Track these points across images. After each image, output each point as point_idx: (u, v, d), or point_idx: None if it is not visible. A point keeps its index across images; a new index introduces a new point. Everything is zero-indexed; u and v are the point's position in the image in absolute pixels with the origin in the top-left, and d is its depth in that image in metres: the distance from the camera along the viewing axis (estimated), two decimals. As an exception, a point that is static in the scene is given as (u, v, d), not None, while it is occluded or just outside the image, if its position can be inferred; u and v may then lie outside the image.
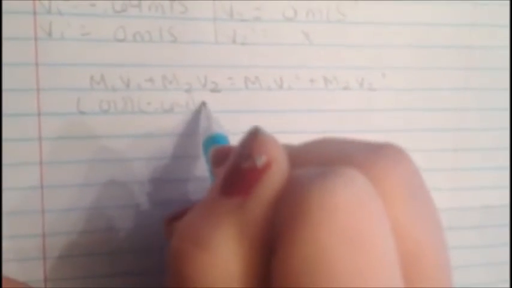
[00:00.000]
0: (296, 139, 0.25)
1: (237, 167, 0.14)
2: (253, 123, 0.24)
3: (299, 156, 0.15)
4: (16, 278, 0.22)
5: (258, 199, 0.14)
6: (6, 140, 0.22)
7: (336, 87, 0.26)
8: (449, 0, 0.27)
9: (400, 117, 0.27)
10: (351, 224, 0.13)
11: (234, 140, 0.18)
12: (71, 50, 0.23)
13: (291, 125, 0.25)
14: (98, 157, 0.23)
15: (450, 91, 0.27)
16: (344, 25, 0.26)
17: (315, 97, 0.26)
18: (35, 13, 0.22)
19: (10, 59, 0.22)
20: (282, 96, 0.25)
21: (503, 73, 0.28)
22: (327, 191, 0.13)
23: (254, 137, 0.15)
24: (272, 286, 0.13)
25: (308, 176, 0.14)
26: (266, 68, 0.25)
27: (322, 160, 0.15)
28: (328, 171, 0.13)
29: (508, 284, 0.28)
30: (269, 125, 0.25)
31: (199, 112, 0.24)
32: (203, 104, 0.24)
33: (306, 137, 0.25)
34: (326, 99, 0.26)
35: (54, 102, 0.23)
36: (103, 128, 0.23)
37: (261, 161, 0.14)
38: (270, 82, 0.25)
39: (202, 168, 0.24)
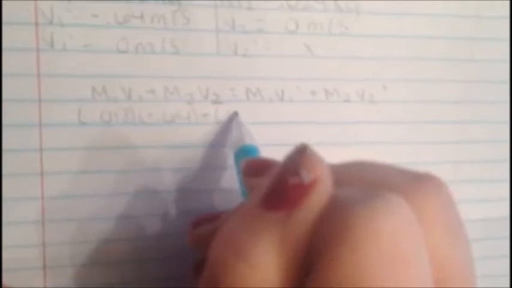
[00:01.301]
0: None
1: (283, 182, 0.14)
2: (254, 134, 0.24)
3: (340, 176, 0.15)
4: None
5: (301, 216, 0.14)
6: (7, 151, 0.22)
7: (337, 99, 0.26)
8: (449, 14, 0.27)
9: (401, 129, 0.27)
10: (391, 249, 0.13)
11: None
12: (73, 61, 0.23)
13: (292, 136, 0.25)
14: (98, 168, 0.23)
15: (450, 104, 0.27)
16: (345, 38, 0.26)
17: (316, 109, 0.26)
18: (37, 24, 0.22)
19: (12, 69, 0.22)
20: (283, 108, 0.25)
21: (503, 86, 0.28)
22: (370, 214, 0.13)
23: (302, 153, 0.15)
24: None
25: (352, 197, 0.14)
26: (267, 80, 0.25)
27: (363, 183, 0.15)
28: (371, 195, 0.14)
29: (508, 296, 0.28)
30: (270, 136, 0.25)
31: (229, 122, 0.24)
32: (235, 114, 0.24)
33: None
34: (327, 111, 0.26)
35: (55, 112, 0.23)
36: (104, 139, 0.23)
37: (308, 178, 0.14)
38: (272, 94, 0.25)
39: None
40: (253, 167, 0.20)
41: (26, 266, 0.23)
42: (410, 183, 0.15)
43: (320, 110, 0.26)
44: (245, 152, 0.22)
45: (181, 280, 0.24)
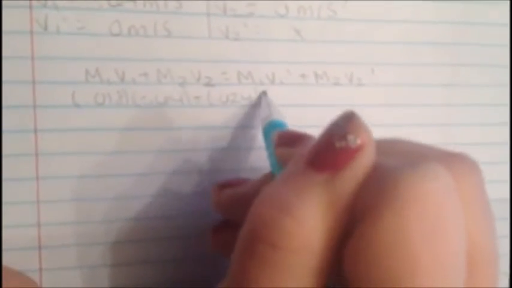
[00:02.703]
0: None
1: (329, 145, 0.15)
2: (243, 116, 0.25)
3: (380, 147, 0.16)
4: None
5: (347, 177, 0.15)
6: (2, 132, 0.22)
7: (326, 82, 0.26)
8: (437, -1, 0.28)
9: (389, 112, 0.27)
10: (436, 214, 0.13)
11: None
12: (67, 44, 0.23)
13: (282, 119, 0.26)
14: (92, 149, 0.24)
15: (438, 87, 0.28)
16: (334, 22, 0.26)
17: (306, 92, 0.26)
18: (30, 7, 0.22)
19: (6, 52, 0.22)
20: (274, 91, 0.26)
21: (491, 69, 0.29)
22: (415, 178, 0.14)
23: (350, 119, 0.15)
24: (347, 263, 0.14)
25: (396, 164, 0.14)
26: (258, 63, 0.25)
27: (403, 154, 0.16)
28: (416, 162, 0.14)
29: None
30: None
31: (258, 101, 0.25)
32: (263, 93, 0.25)
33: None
34: (317, 94, 0.26)
35: (49, 95, 0.23)
36: (98, 120, 0.23)
37: (355, 142, 0.15)
38: (262, 77, 0.26)
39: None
40: (286, 138, 0.20)
41: (21, 246, 0.23)
42: (449, 158, 0.15)
43: (310, 92, 0.26)
44: (274, 126, 0.23)
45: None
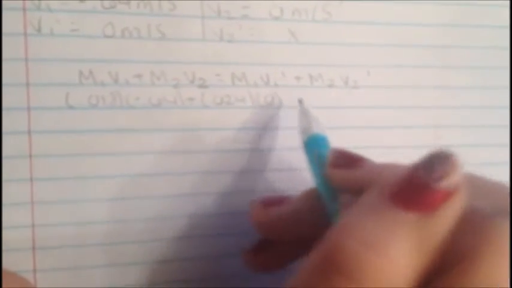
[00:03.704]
0: (282, 135, 0.26)
1: (424, 184, 0.15)
2: (237, 118, 0.25)
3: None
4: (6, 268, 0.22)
5: (441, 220, 0.15)
6: (-4, 134, 0.22)
7: (321, 84, 0.26)
8: (432, 1, 0.28)
9: (383, 114, 0.27)
10: None
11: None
12: (60, 46, 0.23)
13: (276, 120, 0.26)
14: (86, 151, 0.24)
15: (431, 89, 0.28)
16: (329, 24, 0.26)
17: (301, 94, 0.26)
18: (24, 9, 0.23)
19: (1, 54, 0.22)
20: (269, 93, 0.26)
21: (483, 72, 0.29)
22: None
23: (447, 159, 0.15)
24: None
25: (492, 210, 0.15)
26: (253, 65, 0.25)
27: (488, 196, 0.16)
28: (507, 209, 0.15)
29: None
30: (255, 121, 0.25)
31: (293, 107, 0.25)
32: (300, 101, 0.25)
33: (291, 133, 0.26)
34: (312, 96, 0.26)
35: (43, 96, 0.23)
36: (91, 122, 0.24)
37: (451, 184, 0.15)
38: (257, 79, 0.26)
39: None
40: (341, 159, 0.20)
41: (16, 247, 0.23)
42: None
43: (304, 95, 0.26)
44: (315, 142, 0.23)
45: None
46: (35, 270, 0.23)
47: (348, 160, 0.20)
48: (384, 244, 0.14)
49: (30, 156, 0.23)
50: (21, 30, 0.22)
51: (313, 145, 0.23)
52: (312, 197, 0.22)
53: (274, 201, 0.23)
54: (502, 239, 0.14)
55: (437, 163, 0.15)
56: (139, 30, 0.24)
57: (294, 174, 0.26)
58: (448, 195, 0.15)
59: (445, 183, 0.14)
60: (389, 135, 0.27)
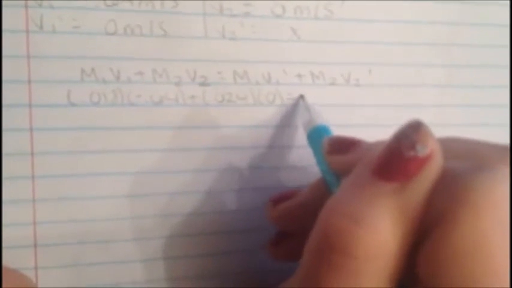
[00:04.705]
0: (281, 132, 0.26)
1: (397, 155, 0.15)
2: (239, 116, 0.25)
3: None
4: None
5: (417, 187, 0.15)
6: (-2, 131, 0.22)
7: (322, 82, 0.26)
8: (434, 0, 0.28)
9: (385, 112, 0.27)
10: (506, 216, 0.14)
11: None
12: (62, 43, 0.23)
13: (277, 118, 0.26)
14: (87, 148, 0.24)
15: (433, 87, 0.28)
16: (331, 22, 0.26)
17: (302, 92, 0.26)
18: (26, 6, 0.22)
19: (2, 51, 0.22)
20: (270, 91, 0.26)
21: (485, 70, 0.29)
22: (489, 183, 0.14)
23: (417, 128, 0.16)
24: (423, 266, 0.15)
25: (463, 168, 0.15)
26: (254, 63, 0.25)
27: (465, 156, 0.16)
28: (484, 166, 0.15)
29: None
30: (257, 118, 0.25)
31: (295, 105, 0.26)
32: (301, 97, 0.26)
33: (292, 131, 0.26)
34: (313, 94, 0.26)
35: (45, 93, 0.23)
36: (93, 119, 0.24)
37: (424, 151, 0.15)
38: (258, 77, 0.26)
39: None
40: (337, 145, 0.21)
41: (17, 244, 0.23)
42: (507, 154, 0.16)
43: (306, 92, 0.26)
44: (319, 132, 0.23)
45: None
46: (36, 268, 0.23)
47: (342, 145, 0.21)
48: (367, 216, 0.15)
49: (32, 153, 0.23)
50: (23, 27, 0.22)
51: (317, 136, 0.23)
52: (319, 187, 0.22)
53: (284, 197, 0.24)
54: (474, 195, 0.14)
55: (409, 133, 0.16)
56: (141, 27, 0.24)
57: (296, 171, 0.26)
58: (421, 162, 0.15)
59: (418, 151, 0.15)
60: (391, 133, 0.27)
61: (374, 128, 0.27)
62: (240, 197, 0.26)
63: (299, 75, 0.26)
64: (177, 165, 0.25)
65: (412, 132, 0.15)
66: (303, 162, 0.26)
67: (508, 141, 0.29)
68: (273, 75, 0.26)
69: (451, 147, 0.17)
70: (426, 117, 0.27)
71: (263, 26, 0.25)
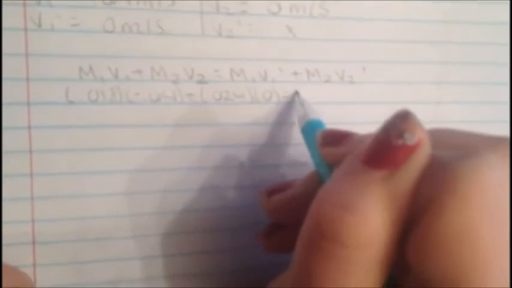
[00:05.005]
0: (278, 130, 0.26)
1: (386, 143, 0.16)
2: (236, 114, 0.25)
3: (430, 139, 0.16)
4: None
5: (406, 174, 0.15)
6: (-4, 129, 0.22)
7: (318, 80, 0.27)
8: (427, -2, 0.28)
9: (379, 110, 0.28)
10: (495, 203, 0.14)
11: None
12: (60, 41, 0.23)
13: (273, 116, 0.26)
14: (85, 146, 0.24)
15: (427, 85, 0.28)
16: (327, 20, 0.27)
17: (298, 89, 0.26)
18: (24, 5, 0.22)
19: (0, 49, 0.22)
20: (266, 89, 0.26)
21: (481, 67, 0.29)
22: (475, 169, 0.14)
23: (405, 117, 0.16)
24: (412, 253, 0.15)
25: (451, 157, 0.15)
26: (251, 61, 0.26)
27: (452, 146, 0.16)
28: (471, 153, 0.15)
29: None
30: (253, 115, 0.26)
31: (291, 101, 0.26)
32: (296, 93, 0.26)
33: (289, 128, 0.26)
34: (309, 91, 0.27)
35: (43, 92, 0.23)
36: (91, 117, 0.24)
37: (412, 140, 0.15)
38: (255, 74, 0.26)
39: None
40: (329, 137, 0.21)
41: (16, 241, 0.23)
42: (497, 143, 0.16)
43: (302, 90, 0.26)
44: (312, 126, 0.23)
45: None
46: (34, 265, 0.23)
47: (335, 138, 0.21)
48: (357, 204, 0.15)
49: (30, 151, 0.23)
50: (21, 25, 0.22)
51: (310, 130, 0.23)
52: (313, 180, 0.22)
53: (278, 188, 0.24)
54: (459, 181, 0.14)
55: (397, 122, 0.16)
56: (139, 25, 0.24)
57: (293, 168, 0.26)
58: (410, 150, 0.15)
59: (406, 140, 0.15)
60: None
61: (368, 125, 0.27)
62: (238, 194, 0.26)
63: (295, 73, 0.26)
64: (174, 162, 0.25)
65: (400, 122, 0.16)
66: (300, 159, 0.26)
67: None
68: (269, 73, 0.26)
69: (441, 137, 0.17)
70: (422, 114, 0.28)
71: (259, 24, 0.26)
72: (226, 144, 0.26)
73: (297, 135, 0.26)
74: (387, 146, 0.16)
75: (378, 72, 0.28)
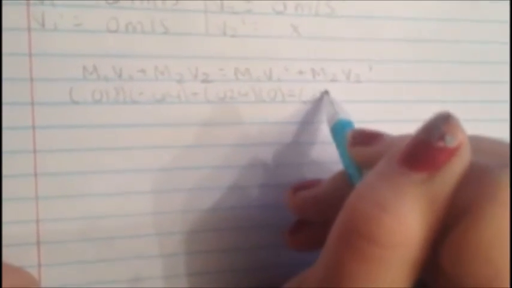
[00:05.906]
0: (284, 129, 0.26)
1: (427, 144, 0.16)
2: (242, 113, 0.25)
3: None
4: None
5: (446, 178, 0.15)
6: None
7: (323, 79, 0.26)
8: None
9: (386, 109, 0.27)
10: None
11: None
12: (64, 41, 0.23)
13: (280, 115, 0.26)
14: (89, 146, 0.24)
15: (434, 84, 0.28)
16: (332, 19, 0.26)
17: (303, 89, 0.26)
18: (28, 4, 0.22)
19: (4, 49, 0.22)
20: (271, 88, 0.26)
21: (487, 67, 0.29)
22: None
23: (447, 119, 0.16)
24: (446, 256, 0.15)
25: (492, 164, 0.15)
26: (256, 60, 0.25)
27: (491, 153, 0.16)
28: (507, 162, 0.15)
29: None
30: (259, 115, 0.25)
31: (320, 100, 0.26)
32: (325, 92, 0.26)
33: (294, 127, 0.26)
34: (314, 90, 0.26)
35: (47, 91, 0.23)
36: (95, 117, 0.24)
37: (453, 142, 0.15)
38: (260, 74, 0.26)
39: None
40: (360, 137, 0.21)
41: (20, 242, 0.23)
42: None
43: (307, 89, 0.26)
44: (342, 126, 0.23)
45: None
46: (39, 265, 0.23)
47: (365, 138, 0.21)
48: (394, 204, 0.15)
49: (34, 151, 0.23)
50: (24, 25, 0.22)
51: (340, 130, 0.23)
52: (340, 179, 0.22)
53: (304, 185, 0.24)
54: (501, 189, 0.14)
55: (438, 124, 0.16)
56: (142, 25, 0.24)
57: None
58: (450, 153, 0.15)
59: (447, 142, 0.15)
60: (391, 129, 0.27)
61: (374, 124, 0.27)
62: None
63: (300, 72, 0.26)
64: (179, 162, 0.25)
65: (441, 123, 0.16)
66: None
67: (507, 138, 0.29)
68: (274, 72, 0.26)
69: (477, 144, 0.17)
70: (427, 113, 0.28)
71: (264, 23, 0.25)
72: (232, 144, 0.25)
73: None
74: (427, 148, 0.15)
75: (385, 72, 0.27)
